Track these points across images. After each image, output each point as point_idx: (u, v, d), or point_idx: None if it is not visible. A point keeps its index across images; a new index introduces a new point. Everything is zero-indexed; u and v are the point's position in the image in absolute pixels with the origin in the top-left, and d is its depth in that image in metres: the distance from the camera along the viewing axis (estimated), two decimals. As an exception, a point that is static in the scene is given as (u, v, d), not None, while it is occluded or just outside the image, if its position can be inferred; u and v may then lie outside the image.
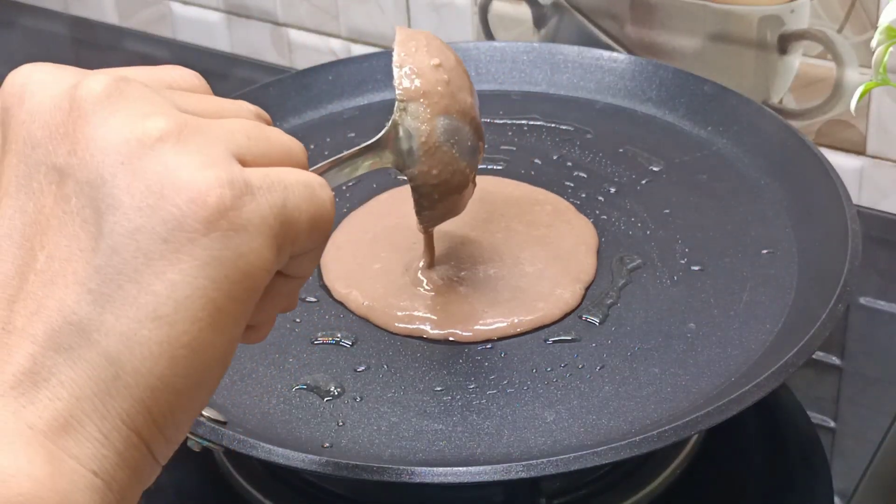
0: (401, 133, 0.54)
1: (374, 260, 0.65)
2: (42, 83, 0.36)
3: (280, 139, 0.38)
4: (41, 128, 0.35)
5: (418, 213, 0.58)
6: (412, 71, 0.55)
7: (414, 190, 0.56)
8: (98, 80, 0.35)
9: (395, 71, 0.55)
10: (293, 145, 0.39)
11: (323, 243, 0.39)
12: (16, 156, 0.35)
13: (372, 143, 0.52)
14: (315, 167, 0.45)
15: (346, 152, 0.50)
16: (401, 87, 0.54)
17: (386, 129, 0.54)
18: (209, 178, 0.34)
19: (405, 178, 0.56)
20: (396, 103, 0.54)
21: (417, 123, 0.54)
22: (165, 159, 0.34)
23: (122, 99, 0.35)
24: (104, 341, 0.33)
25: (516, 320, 0.60)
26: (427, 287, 0.62)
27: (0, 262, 0.34)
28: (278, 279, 0.39)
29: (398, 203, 0.70)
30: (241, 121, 0.37)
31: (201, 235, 0.34)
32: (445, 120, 0.54)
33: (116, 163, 0.34)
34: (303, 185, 0.37)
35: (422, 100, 0.54)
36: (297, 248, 0.37)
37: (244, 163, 0.36)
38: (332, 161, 0.48)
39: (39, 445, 0.32)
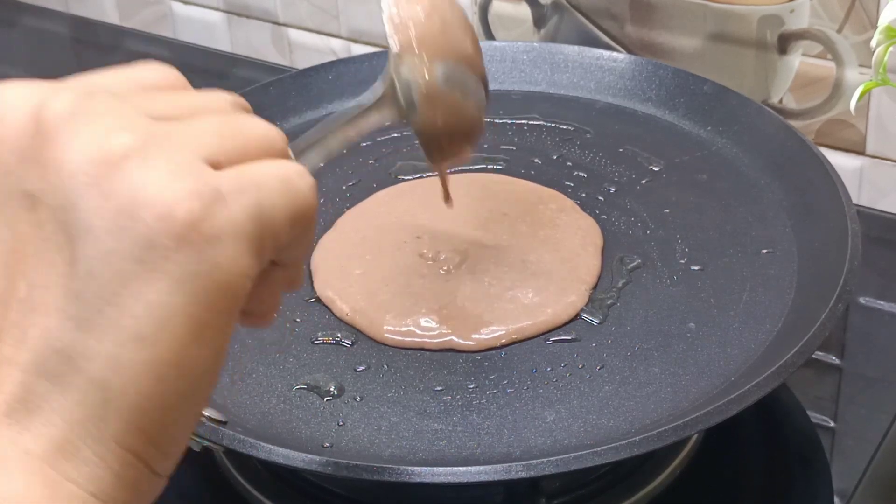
0: (399, 87, 0.52)
1: (358, 264, 0.64)
2: (9, 105, 0.35)
3: (255, 130, 0.37)
4: (11, 153, 0.34)
5: (427, 156, 0.55)
6: (403, 22, 0.52)
7: (419, 135, 0.53)
8: (61, 99, 0.34)
9: (386, 25, 0.53)
10: (270, 134, 0.37)
11: (310, 230, 0.38)
12: None
13: (372, 105, 0.50)
14: (309, 133, 0.44)
15: (345, 116, 0.48)
16: (394, 40, 0.52)
17: (385, 86, 0.51)
18: (176, 192, 0.33)
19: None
20: (390, 57, 0.52)
21: (415, 75, 0.52)
22: (132, 177, 0.33)
23: (85, 116, 0.34)
24: (90, 367, 0.33)
25: (523, 325, 0.60)
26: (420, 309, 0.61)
27: None
28: (273, 269, 0.38)
29: (395, 200, 0.69)
30: (212, 119, 0.36)
31: (173, 252, 0.33)
32: (444, 66, 0.52)
33: (84, 185, 0.33)
34: (278, 180, 0.36)
35: (417, 49, 0.52)
36: (280, 244, 0.36)
37: (218, 164, 0.35)
38: (330, 127, 0.46)
39: (37, 470, 0.33)
